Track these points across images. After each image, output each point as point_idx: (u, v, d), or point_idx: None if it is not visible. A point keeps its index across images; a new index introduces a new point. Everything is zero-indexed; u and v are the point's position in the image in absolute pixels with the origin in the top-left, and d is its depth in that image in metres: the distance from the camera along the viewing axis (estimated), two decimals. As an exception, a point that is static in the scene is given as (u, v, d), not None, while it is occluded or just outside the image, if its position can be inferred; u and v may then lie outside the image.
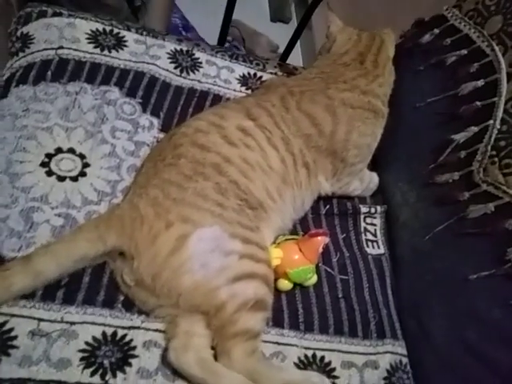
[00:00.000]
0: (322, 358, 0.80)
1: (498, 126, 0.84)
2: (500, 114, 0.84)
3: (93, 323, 0.71)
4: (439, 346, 0.82)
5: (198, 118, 0.88)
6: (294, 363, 0.78)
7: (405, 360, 0.85)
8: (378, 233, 1.00)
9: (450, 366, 0.80)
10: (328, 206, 0.99)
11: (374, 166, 1.04)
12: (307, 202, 0.93)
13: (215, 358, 0.72)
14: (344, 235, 0.97)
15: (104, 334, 0.71)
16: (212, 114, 0.88)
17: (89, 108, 0.90)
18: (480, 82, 0.89)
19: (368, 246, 0.98)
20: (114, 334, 0.71)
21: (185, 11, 1.82)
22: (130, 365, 0.69)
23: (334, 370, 0.79)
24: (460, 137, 0.89)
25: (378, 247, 0.98)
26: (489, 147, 0.84)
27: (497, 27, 0.90)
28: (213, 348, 0.73)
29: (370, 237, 0.99)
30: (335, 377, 0.79)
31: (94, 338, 0.70)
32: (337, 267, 0.91)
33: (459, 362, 0.78)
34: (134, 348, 0.71)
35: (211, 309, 0.71)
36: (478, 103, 0.88)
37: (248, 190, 0.80)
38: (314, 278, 0.87)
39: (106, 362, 0.68)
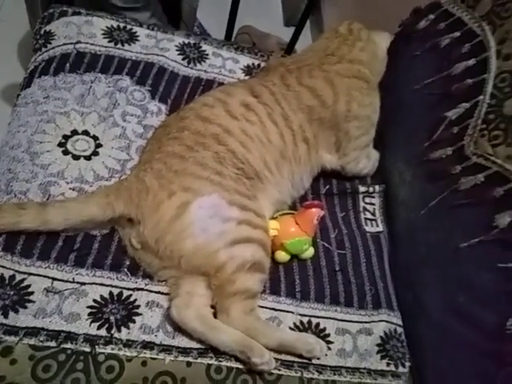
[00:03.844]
0: (317, 324, 0.83)
1: (488, 101, 0.87)
2: (489, 88, 0.87)
3: (101, 284, 0.77)
4: (432, 315, 0.84)
5: (206, 95, 0.96)
6: (290, 328, 0.82)
7: (400, 329, 0.87)
8: (377, 212, 1.03)
9: (441, 332, 0.82)
10: (328, 186, 1.03)
11: (374, 147, 1.08)
12: (306, 178, 0.97)
13: (215, 316, 0.77)
14: (343, 214, 1.01)
15: (111, 293, 0.77)
16: (219, 91, 0.96)
17: (102, 95, 0.98)
18: (471, 61, 0.92)
19: (367, 225, 1.01)
20: (120, 294, 0.77)
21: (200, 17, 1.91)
22: (133, 321, 0.75)
23: (328, 335, 0.83)
24: (452, 113, 0.92)
25: (377, 225, 1.01)
26: (479, 121, 0.87)
27: (487, 8, 0.93)
28: (213, 307, 0.77)
29: (368, 216, 1.02)
30: (329, 342, 0.82)
31: (102, 297, 0.76)
32: (335, 243, 0.95)
33: (450, 327, 0.80)
34: (138, 307, 0.77)
35: (211, 269, 0.77)
36: (470, 81, 0.91)
37: (245, 160, 0.85)
38: (311, 251, 0.91)
39: (112, 317, 0.74)
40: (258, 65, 1.17)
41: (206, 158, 0.83)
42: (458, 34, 0.98)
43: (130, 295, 0.77)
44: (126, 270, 0.80)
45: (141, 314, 0.76)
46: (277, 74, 0.96)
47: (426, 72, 1.02)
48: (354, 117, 0.96)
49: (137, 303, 0.77)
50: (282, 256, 0.89)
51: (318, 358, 0.79)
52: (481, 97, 0.88)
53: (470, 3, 0.97)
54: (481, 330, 0.74)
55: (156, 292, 0.79)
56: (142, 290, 0.78)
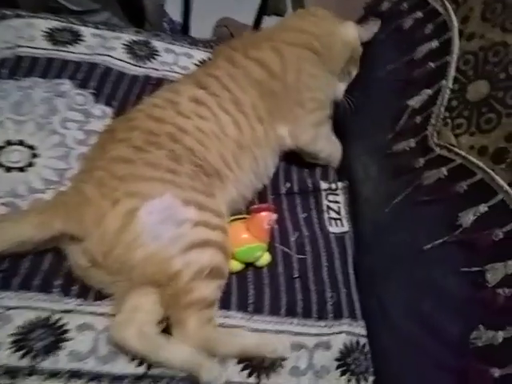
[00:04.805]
0: (270, 339, 0.76)
1: (451, 86, 0.78)
2: (452, 72, 0.79)
3: (28, 307, 0.71)
4: (396, 323, 0.76)
5: (154, 96, 0.89)
6: (239, 345, 0.75)
7: (363, 340, 0.80)
8: (342, 210, 0.96)
9: (406, 343, 0.74)
10: (288, 185, 0.96)
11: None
12: (270, 162, 0.92)
13: (168, 329, 0.71)
14: (305, 214, 0.93)
15: (38, 317, 0.70)
16: (167, 90, 0.89)
17: (40, 101, 0.92)
18: (434, 43, 0.84)
19: (331, 225, 0.93)
20: (48, 317, 0.71)
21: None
22: (61, 348, 0.68)
23: (282, 351, 0.76)
24: (415, 101, 0.84)
25: (342, 225, 0.94)
26: (442, 109, 0.79)
27: (449, -16, 0.85)
28: (166, 320, 0.71)
29: (333, 215, 0.95)
30: (283, 358, 0.75)
31: (28, 322, 0.69)
32: (295, 247, 0.88)
33: (414, 338, 0.72)
34: (68, 331, 0.70)
35: (165, 278, 0.70)
36: (432, 64, 0.83)
37: (203, 158, 0.80)
38: (266, 258, 0.84)
39: (37, 345, 0.68)
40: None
41: (158, 158, 0.76)
42: (420, 13, 0.90)
43: (60, 318, 0.71)
44: (57, 290, 0.73)
45: (70, 339, 0.69)
46: (222, 56, 0.92)
47: (390, 57, 0.95)
48: (306, 88, 0.91)
49: (67, 327, 0.70)
50: (235, 265, 0.82)
51: (283, 359, 0.73)
52: (443, 81, 0.80)
53: (433, -20, 0.89)
54: (445, 343, 0.67)
55: (89, 313, 0.72)
56: (73, 311, 0.72)
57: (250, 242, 0.81)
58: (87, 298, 0.73)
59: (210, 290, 0.72)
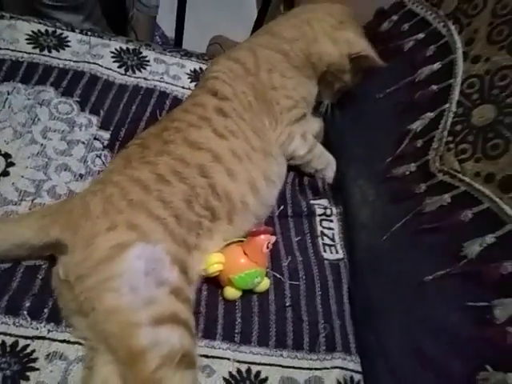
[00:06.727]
0: (258, 373, 0.70)
1: (454, 109, 0.76)
2: (456, 96, 0.76)
3: (-8, 332, 0.64)
4: (396, 361, 0.71)
5: (184, 110, 0.85)
6: (224, 378, 0.69)
7: (357, 377, 0.74)
8: (337, 237, 0.91)
9: (404, 382, 0.68)
10: (282, 207, 0.91)
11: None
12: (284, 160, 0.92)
13: None
14: (299, 238, 0.88)
15: (3, 343, 0.63)
16: (192, 104, 0.86)
17: (20, 108, 0.86)
18: (436, 65, 0.82)
19: (325, 251, 0.88)
20: (15, 344, 0.64)
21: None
22: (27, 378, 0.61)
23: (271, 387, 0.70)
24: (416, 125, 0.81)
25: (337, 252, 0.89)
26: (445, 133, 0.75)
27: (452, 6, 0.83)
28: None
29: (327, 241, 0.90)
30: (272, 395, 0.69)
31: (-9, 349, 0.63)
32: (287, 272, 0.82)
33: (416, 379, 0.67)
34: (36, 360, 0.63)
35: (127, 353, 0.59)
36: (435, 87, 0.80)
37: (225, 194, 0.77)
38: (266, 283, 0.78)
39: (0, 374, 0.61)
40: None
41: (173, 194, 0.71)
42: (422, 35, 0.88)
43: (28, 345, 0.64)
44: (25, 312, 0.66)
45: (38, 369, 0.62)
46: (218, 61, 0.94)
47: (389, 79, 0.92)
48: (281, 86, 0.90)
49: (35, 355, 0.63)
50: (232, 293, 0.76)
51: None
52: (447, 105, 0.77)
53: (435, 1, 0.87)
54: (448, 384, 0.62)
55: (61, 341, 0.65)
56: (43, 338, 0.65)
57: (248, 267, 0.75)
58: (59, 324, 0.67)
59: None
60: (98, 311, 0.62)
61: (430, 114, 0.79)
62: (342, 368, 0.73)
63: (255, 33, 1.06)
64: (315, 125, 0.99)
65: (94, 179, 0.80)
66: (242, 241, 0.79)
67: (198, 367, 0.64)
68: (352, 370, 0.74)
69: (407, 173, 0.80)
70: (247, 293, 0.77)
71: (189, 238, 0.72)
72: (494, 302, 0.60)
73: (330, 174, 0.97)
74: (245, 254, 0.77)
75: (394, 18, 0.95)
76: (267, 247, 0.77)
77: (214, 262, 0.75)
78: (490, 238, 0.63)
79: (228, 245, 0.79)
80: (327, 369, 0.73)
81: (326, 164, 0.96)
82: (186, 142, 0.77)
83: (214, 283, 0.77)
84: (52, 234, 0.67)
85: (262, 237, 0.77)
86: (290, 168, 0.95)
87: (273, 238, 0.78)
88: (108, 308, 0.62)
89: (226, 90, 0.86)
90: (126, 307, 0.61)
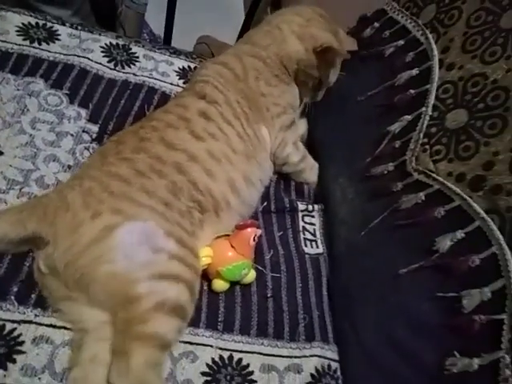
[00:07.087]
0: (240, 360, 0.73)
1: (430, 113, 0.80)
2: (432, 100, 0.81)
3: (-21, 316, 0.65)
4: (370, 349, 0.75)
5: (166, 111, 0.86)
6: (207, 364, 0.71)
7: (334, 365, 0.77)
8: (318, 232, 0.94)
9: (380, 369, 0.72)
10: (265, 203, 0.94)
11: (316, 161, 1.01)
12: (267, 165, 0.93)
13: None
14: (281, 233, 0.91)
15: (-10, 327, 0.65)
16: (176, 105, 0.87)
17: (9, 98, 0.87)
18: (415, 71, 0.87)
19: (306, 246, 0.92)
20: (2, 327, 0.65)
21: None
22: (14, 361, 0.63)
23: (251, 373, 0.72)
24: (395, 127, 0.85)
25: (317, 246, 0.92)
26: (421, 135, 0.80)
27: (430, 16, 0.88)
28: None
29: (308, 236, 0.93)
30: (252, 381, 0.71)
31: (-22, 332, 0.64)
32: (269, 265, 0.85)
33: (389, 365, 0.71)
34: (22, 343, 0.64)
35: (123, 299, 0.63)
36: (412, 91, 0.85)
37: (207, 191, 0.78)
38: (252, 274, 0.81)
39: (-14, 356, 0.62)
40: (195, 67, 1.08)
41: (156, 187, 0.72)
42: (402, 42, 0.92)
43: (15, 329, 0.65)
44: (12, 297, 0.67)
45: (24, 353, 0.64)
46: (207, 65, 0.96)
47: (370, 82, 0.96)
48: (268, 93, 0.93)
49: (21, 339, 0.65)
50: (220, 285, 0.78)
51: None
52: (423, 109, 0.81)
53: (414, 10, 0.92)
54: (420, 371, 0.65)
55: (47, 325, 0.67)
56: (29, 322, 0.66)
57: (235, 259, 0.77)
58: (46, 309, 0.68)
59: (168, 328, 0.64)
60: (96, 283, 0.64)
61: (408, 117, 0.83)
62: (320, 356, 0.77)
63: (238, 41, 1.08)
64: (301, 126, 1.03)
65: (72, 175, 0.81)
66: (228, 235, 0.82)
67: (187, 322, 0.68)
68: (330, 359, 0.77)
69: (385, 172, 0.84)
70: (232, 284, 0.80)
71: (183, 222, 0.73)
72: (462, 292, 0.64)
73: (314, 177, 1.00)
74: (232, 246, 0.79)
75: (376, 24, 0.99)
76: (254, 240, 0.80)
77: (202, 255, 0.77)
78: (460, 234, 0.68)
79: (215, 239, 0.82)
80: (306, 357, 0.76)
81: (315, 175, 1.00)
82: (162, 142, 0.78)
83: (201, 276, 0.79)
84: (29, 227, 0.67)
85: (249, 230, 0.79)
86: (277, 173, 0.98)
87: (259, 231, 0.81)
88: (105, 276, 0.64)
89: (216, 95, 0.87)
90: (123, 271, 0.64)
